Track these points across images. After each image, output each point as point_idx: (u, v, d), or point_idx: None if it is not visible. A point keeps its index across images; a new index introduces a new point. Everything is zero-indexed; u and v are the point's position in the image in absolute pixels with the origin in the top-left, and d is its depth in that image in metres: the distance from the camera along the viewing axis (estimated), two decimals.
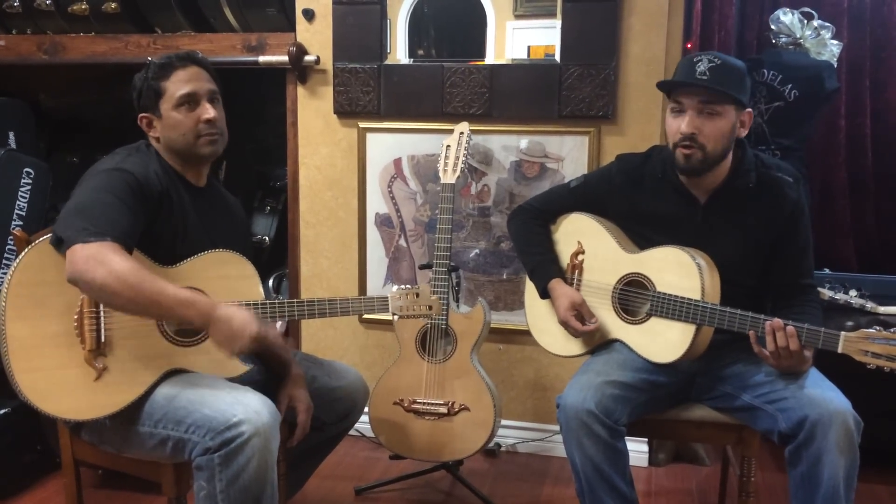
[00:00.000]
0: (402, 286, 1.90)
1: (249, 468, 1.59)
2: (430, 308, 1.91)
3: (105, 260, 1.56)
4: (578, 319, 2.00)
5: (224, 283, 1.81)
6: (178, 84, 1.81)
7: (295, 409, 1.89)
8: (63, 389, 1.64)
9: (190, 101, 1.81)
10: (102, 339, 1.68)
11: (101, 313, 1.68)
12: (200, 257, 1.80)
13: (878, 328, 1.67)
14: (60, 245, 1.62)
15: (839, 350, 1.69)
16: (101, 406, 1.67)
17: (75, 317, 1.67)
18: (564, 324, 2.02)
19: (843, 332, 1.68)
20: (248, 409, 1.62)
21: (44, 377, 1.62)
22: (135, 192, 1.70)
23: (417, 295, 1.89)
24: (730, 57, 1.88)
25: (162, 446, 1.68)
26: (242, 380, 1.80)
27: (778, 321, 1.74)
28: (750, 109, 1.89)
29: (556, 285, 2.06)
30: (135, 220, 1.67)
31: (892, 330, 1.67)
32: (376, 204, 2.83)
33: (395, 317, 1.90)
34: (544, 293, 2.09)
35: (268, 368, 1.99)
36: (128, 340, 1.70)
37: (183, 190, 1.85)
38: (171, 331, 1.75)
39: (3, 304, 1.61)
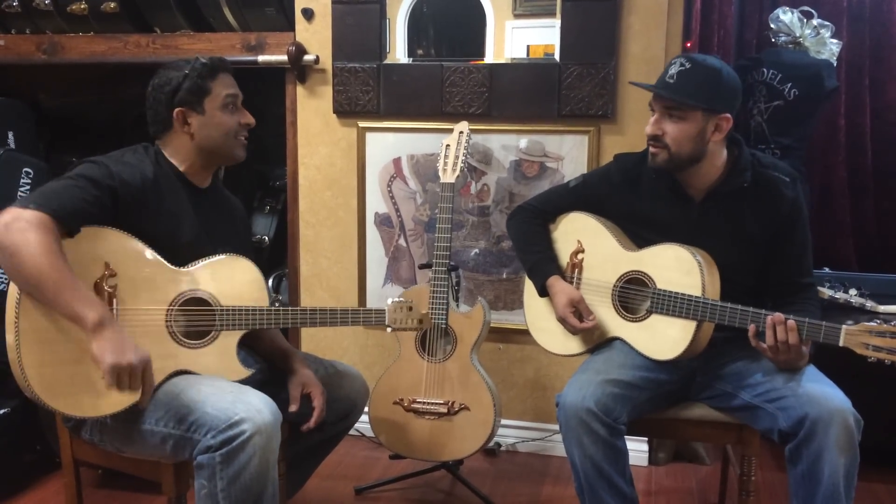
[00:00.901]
0: (397, 299, 1.98)
1: (251, 467, 1.59)
2: (420, 322, 1.99)
3: (30, 227, 1.55)
4: (576, 316, 2.00)
5: (232, 287, 1.83)
6: (225, 86, 1.88)
7: (310, 394, 1.93)
8: (71, 386, 1.63)
9: (234, 104, 1.89)
10: None
11: (115, 311, 1.68)
12: (210, 261, 1.83)
13: (879, 321, 1.68)
14: None
15: (840, 343, 1.69)
16: (106, 404, 1.66)
17: None
18: (562, 320, 2.02)
19: (844, 326, 1.69)
20: (250, 407, 1.62)
21: (52, 372, 1.62)
22: (101, 184, 1.70)
23: (410, 308, 1.97)
24: (707, 60, 1.86)
25: (163, 444, 1.68)
26: (243, 379, 1.80)
27: (779, 315, 1.74)
28: (726, 115, 1.86)
29: (555, 282, 2.06)
30: (85, 206, 1.66)
31: (893, 323, 1.67)
32: (376, 203, 2.83)
33: (389, 329, 1.99)
34: (543, 291, 2.09)
35: (269, 364, 2.00)
36: (137, 340, 1.69)
37: (182, 190, 1.86)
38: (180, 332, 1.76)
39: (18, 296, 1.60)
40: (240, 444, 1.58)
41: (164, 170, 1.85)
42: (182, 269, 1.79)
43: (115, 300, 1.69)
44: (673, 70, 1.85)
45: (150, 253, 1.74)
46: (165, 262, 1.77)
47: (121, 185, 1.73)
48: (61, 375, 1.63)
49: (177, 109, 1.84)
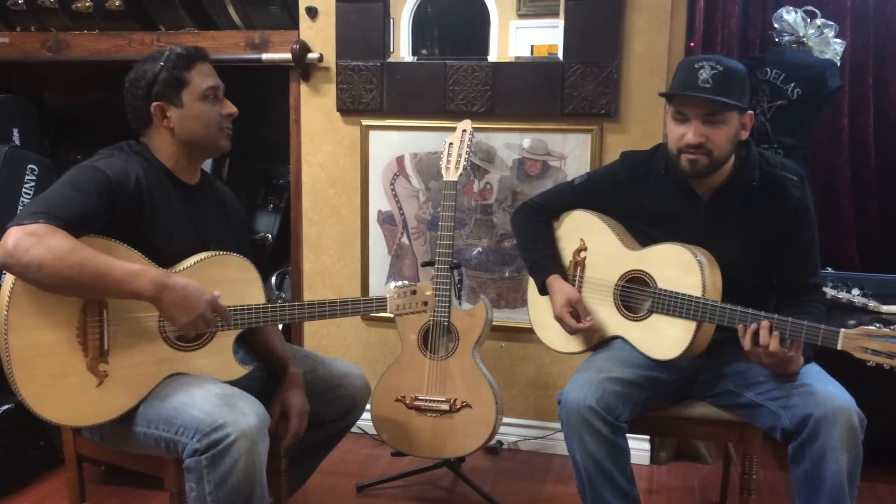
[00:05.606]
0: (400, 283, 1.93)
1: (237, 470, 1.59)
2: (426, 304, 1.94)
3: (41, 239, 1.53)
4: (574, 316, 2.00)
5: (226, 286, 1.78)
6: (203, 76, 1.82)
7: (287, 414, 1.88)
8: (65, 397, 1.63)
9: (214, 95, 1.84)
10: (105, 347, 1.67)
11: (105, 321, 1.66)
12: (202, 260, 1.78)
13: (878, 325, 1.67)
14: None
15: (838, 347, 1.68)
16: (101, 412, 1.67)
17: (77, 324, 1.64)
18: (559, 320, 2.02)
19: (842, 329, 1.68)
20: (235, 411, 1.61)
21: (45, 385, 1.61)
22: (100, 188, 1.66)
23: (414, 292, 1.92)
24: (730, 60, 1.87)
25: (157, 446, 1.69)
26: (243, 381, 1.80)
27: (760, 326, 1.74)
28: (751, 112, 1.90)
29: (554, 281, 2.06)
30: (89, 210, 1.63)
31: (891, 327, 1.66)
32: (379, 201, 2.83)
33: (394, 315, 1.95)
34: (543, 289, 2.09)
35: (267, 365, 1.99)
36: (130, 347, 1.69)
37: (171, 188, 1.82)
38: (173, 336, 1.75)
39: (6, 312, 1.58)
40: (224, 447, 1.58)
41: (154, 167, 1.80)
42: (173, 272, 1.73)
43: (105, 310, 1.66)
44: (705, 74, 1.81)
45: (139, 258, 1.69)
46: (149, 262, 1.71)
47: (117, 188, 1.69)
48: (54, 387, 1.62)
49: (154, 104, 1.80)
